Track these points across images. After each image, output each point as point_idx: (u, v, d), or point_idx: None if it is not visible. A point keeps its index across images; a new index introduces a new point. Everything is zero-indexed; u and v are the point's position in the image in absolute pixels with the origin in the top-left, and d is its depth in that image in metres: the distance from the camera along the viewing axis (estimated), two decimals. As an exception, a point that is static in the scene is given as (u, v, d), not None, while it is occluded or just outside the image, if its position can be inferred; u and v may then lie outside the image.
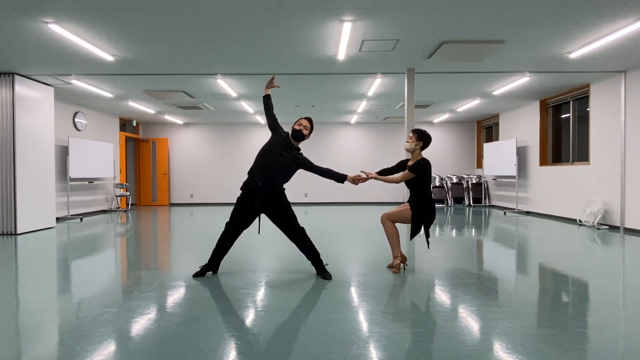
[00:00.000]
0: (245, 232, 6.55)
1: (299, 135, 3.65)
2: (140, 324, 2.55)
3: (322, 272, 3.73)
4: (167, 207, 11.68)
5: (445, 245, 5.32)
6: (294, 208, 3.77)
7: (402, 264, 4.09)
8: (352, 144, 12.40)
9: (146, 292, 3.26)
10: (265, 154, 3.64)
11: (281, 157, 3.60)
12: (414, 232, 3.81)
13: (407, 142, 3.88)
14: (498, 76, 6.92)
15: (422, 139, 3.83)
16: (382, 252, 4.79)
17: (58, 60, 5.77)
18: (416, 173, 3.72)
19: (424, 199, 3.77)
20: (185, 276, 3.75)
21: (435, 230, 6.65)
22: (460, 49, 5.23)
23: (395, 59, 5.86)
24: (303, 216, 8.89)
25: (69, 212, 8.80)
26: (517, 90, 7.94)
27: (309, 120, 3.73)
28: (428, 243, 3.93)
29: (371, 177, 3.82)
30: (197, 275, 3.74)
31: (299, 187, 12.30)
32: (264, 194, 3.60)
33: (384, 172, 4.02)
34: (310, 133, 3.71)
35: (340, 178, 3.74)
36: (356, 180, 3.76)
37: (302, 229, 3.74)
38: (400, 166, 3.99)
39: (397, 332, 2.41)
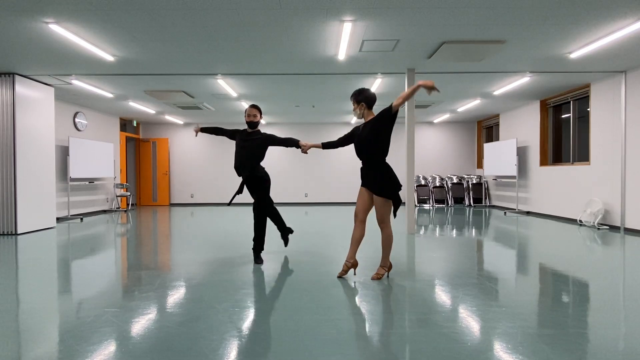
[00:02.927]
0: (244, 233, 6.59)
1: (253, 124, 4.32)
2: (141, 324, 2.55)
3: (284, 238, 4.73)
4: (168, 207, 11.68)
5: (446, 245, 5.32)
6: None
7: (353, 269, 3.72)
8: (352, 144, 12.37)
9: (146, 292, 3.26)
10: (237, 151, 4.36)
11: (246, 144, 4.28)
12: (397, 206, 3.53)
13: (353, 111, 3.70)
14: (498, 76, 6.91)
15: (362, 100, 3.59)
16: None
17: (58, 60, 5.78)
18: (385, 112, 3.43)
19: (384, 163, 3.53)
20: (185, 276, 3.75)
21: (435, 230, 6.65)
22: (460, 49, 5.23)
23: (396, 59, 5.86)
24: (303, 216, 8.89)
25: (69, 212, 8.80)
26: (518, 90, 7.94)
27: (254, 106, 4.33)
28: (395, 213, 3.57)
29: (314, 146, 4.06)
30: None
31: (299, 187, 12.30)
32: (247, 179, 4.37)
33: (328, 145, 3.98)
34: (260, 115, 4.36)
35: (293, 143, 4.21)
36: (304, 148, 4.14)
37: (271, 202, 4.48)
38: (349, 137, 3.79)
39: (397, 332, 2.41)
